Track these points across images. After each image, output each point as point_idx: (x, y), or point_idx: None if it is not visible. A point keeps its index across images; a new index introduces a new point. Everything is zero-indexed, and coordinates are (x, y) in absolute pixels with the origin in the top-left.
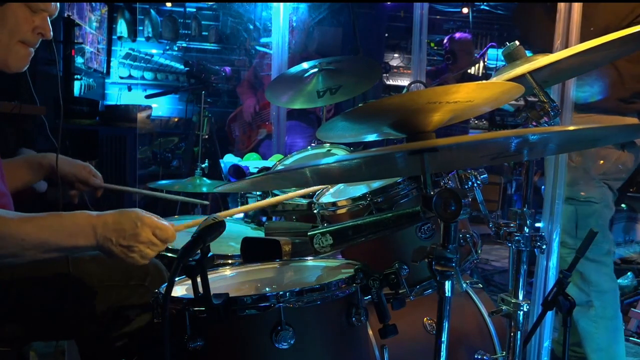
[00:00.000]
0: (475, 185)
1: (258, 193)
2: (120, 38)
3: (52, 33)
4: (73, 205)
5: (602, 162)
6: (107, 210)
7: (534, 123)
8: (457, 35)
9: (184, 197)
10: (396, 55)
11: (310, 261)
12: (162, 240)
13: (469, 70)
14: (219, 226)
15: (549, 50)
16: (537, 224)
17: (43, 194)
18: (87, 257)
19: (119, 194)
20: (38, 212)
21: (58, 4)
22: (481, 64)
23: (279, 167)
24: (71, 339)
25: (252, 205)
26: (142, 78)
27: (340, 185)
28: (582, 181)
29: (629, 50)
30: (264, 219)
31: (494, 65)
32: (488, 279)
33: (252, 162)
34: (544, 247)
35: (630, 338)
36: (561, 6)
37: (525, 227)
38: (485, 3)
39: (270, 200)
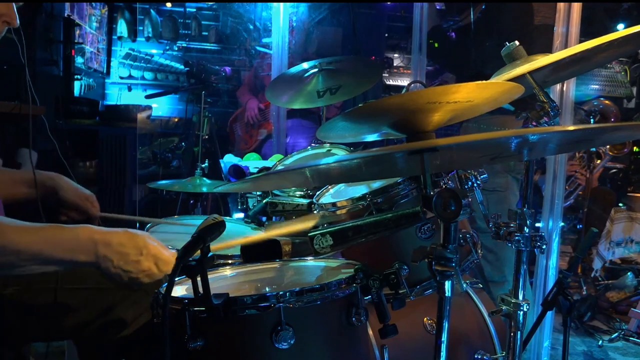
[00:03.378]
0: (475, 185)
1: (258, 193)
2: (120, 38)
3: (18, 21)
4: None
5: None
6: (113, 229)
7: (534, 123)
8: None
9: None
10: (396, 55)
11: (310, 261)
12: (161, 271)
13: None
14: (219, 226)
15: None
16: (537, 224)
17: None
18: None
19: (121, 190)
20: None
21: None
22: None
23: (279, 167)
24: (70, 339)
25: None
26: (142, 78)
27: (341, 186)
28: (489, 173)
29: (629, 50)
30: (264, 219)
31: None
32: None
33: (252, 162)
34: (544, 247)
35: (630, 338)
36: (561, 6)
37: (525, 227)
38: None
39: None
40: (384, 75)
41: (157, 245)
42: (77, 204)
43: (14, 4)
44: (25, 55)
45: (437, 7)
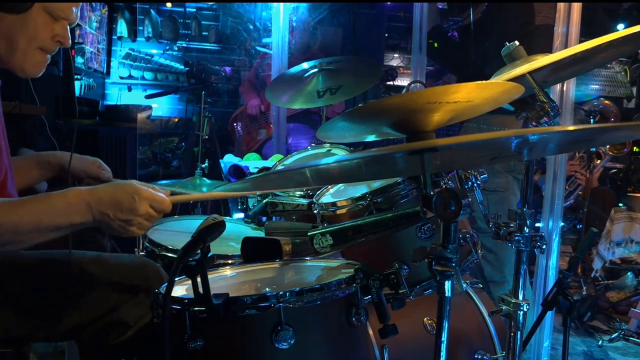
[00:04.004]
0: (475, 185)
1: (258, 193)
2: (120, 38)
3: (70, 42)
4: None
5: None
6: (100, 184)
7: (534, 123)
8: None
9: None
10: (396, 55)
11: (310, 261)
12: (159, 212)
13: None
14: (219, 226)
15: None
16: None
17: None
18: (86, 258)
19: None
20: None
21: (78, 12)
22: None
23: (279, 167)
24: (71, 340)
25: None
26: (142, 78)
27: (341, 186)
28: (489, 173)
29: (629, 50)
30: (264, 219)
31: None
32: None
33: (252, 162)
34: (544, 247)
35: (630, 338)
36: (561, 6)
37: (525, 227)
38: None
39: None
40: (388, 81)
41: (147, 187)
42: (84, 169)
43: (67, 26)
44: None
45: (439, 7)
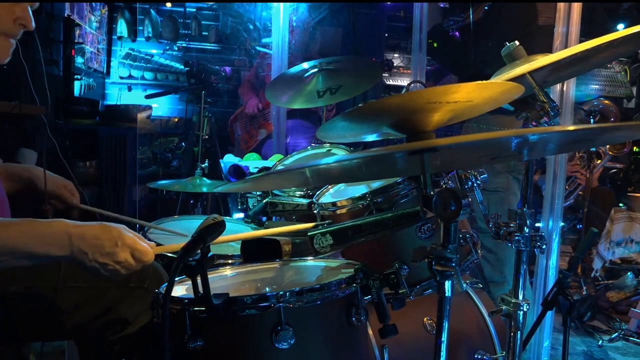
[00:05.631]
0: (475, 185)
1: (258, 193)
2: (120, 38)
3: (33, 24)
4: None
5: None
6: (88, 222)
7: (534, 123)
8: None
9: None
10: (396, 55)
11: (310, 261)
12: (138, 262)
13: None
14: (219, 226)
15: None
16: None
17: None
18: None
19: (121, 190)
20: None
21: None
22: None
23: (279, 167)
24: (71, 339)
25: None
26: (142, 78)
27: (341, 185)
28: (490, 174)
29: (629, 50)
30: (264, 219)
31: None
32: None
33: (252, 162)
34: (544, 247)
35: (630, 338)
36: (561, 6)
37: (525, 227)
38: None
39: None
40: (383, 75)
41: (133, 236)
42: (55, 192)
43: (29, 7)
44: (42, 56)
45: (441, 6)
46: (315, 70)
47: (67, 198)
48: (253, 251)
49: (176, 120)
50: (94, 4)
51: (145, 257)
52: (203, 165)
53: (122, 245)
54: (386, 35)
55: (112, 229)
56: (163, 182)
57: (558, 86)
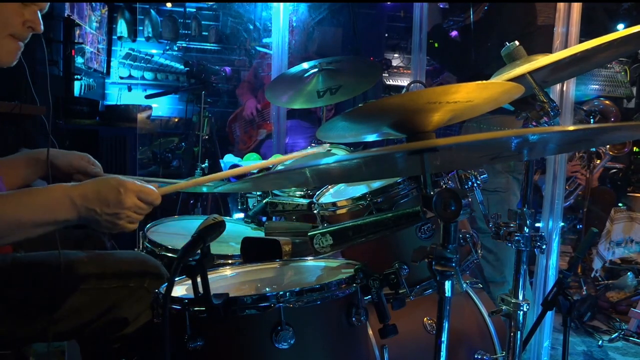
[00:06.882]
0: (475, 185)
1: (258, 193)
2: (120, 38)
3: (42, 27)
4: None
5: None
6: (85, 180)
7: (534, 123)
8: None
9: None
10: (396, 55)
11: (310, 261)
12: (147, 203)
13: None
14: (219, 226)
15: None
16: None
17: None
18: (84, 258)
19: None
20: None
21: None
22: None
23: (279, 167)
24: (71, 340)
25: None
26: (142, 78)
27: (341, 185)
28: (490, 174)
29: (629, 50)
30: (264, 219)
31: None
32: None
33: (252, 162)
34: (544, 247)
35: (630, 338)
36: (560, 6)
37: (525, 227)
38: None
39: None
40: (383, 75)
41: (133, 180)
42: (71, 163)
43: (38, 10)
44: (47, 56)
45: (441, 6)
46: (315, 70)
47: (87, 168)
48: (253, 251)
49: (176, 120)
50: (94, 4)
51: (151, 196)
52: (203, 166)
53: (126, 191)
54: (386, 35)
55: (110, 179)
56: (163, 182)
57: (558, 86)
